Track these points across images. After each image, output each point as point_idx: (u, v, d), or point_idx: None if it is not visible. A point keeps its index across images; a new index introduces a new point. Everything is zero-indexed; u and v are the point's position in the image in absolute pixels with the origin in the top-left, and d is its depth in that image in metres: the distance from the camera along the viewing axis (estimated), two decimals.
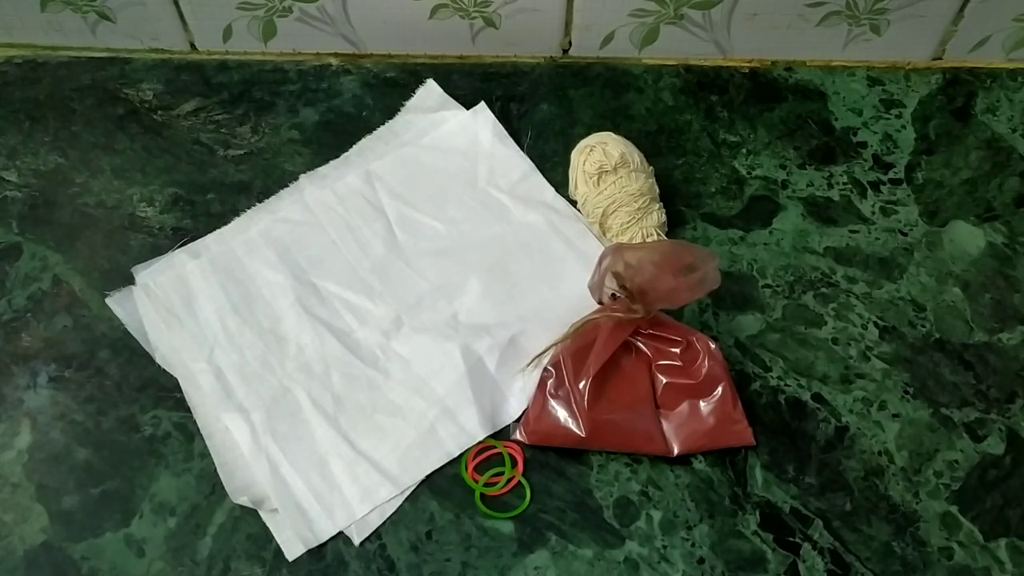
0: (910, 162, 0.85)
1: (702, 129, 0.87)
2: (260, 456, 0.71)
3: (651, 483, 0.70)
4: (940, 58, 0.91)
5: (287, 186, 0.83)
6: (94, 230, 0.81)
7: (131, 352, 0.76)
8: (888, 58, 0.90)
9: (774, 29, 0.88)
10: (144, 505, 0.70)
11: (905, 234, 0.81)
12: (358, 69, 0.90)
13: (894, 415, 0.73)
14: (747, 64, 0.91)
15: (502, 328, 0.76)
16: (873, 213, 0.82)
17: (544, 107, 0.88)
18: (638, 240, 0.77)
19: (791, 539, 0.68)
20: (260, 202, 0.83)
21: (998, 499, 0.70)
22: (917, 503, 0.70)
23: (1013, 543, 0.68)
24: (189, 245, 0.80)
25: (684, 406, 0.71)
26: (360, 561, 0.68)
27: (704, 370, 0.71)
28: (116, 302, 0.77)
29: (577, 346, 0.72)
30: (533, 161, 0.84)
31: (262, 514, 0.69)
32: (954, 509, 0.69)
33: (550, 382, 0.72)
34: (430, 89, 0.88)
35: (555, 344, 0.73)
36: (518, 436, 0.72)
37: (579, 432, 0.70)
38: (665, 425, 0.71)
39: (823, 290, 0.78)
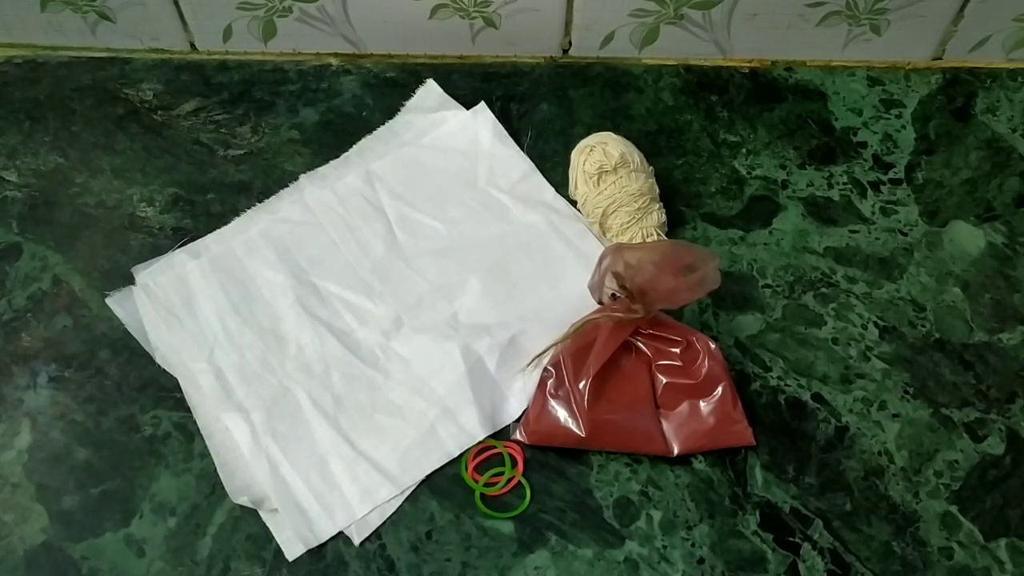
0: (910, 162, 0.85)
1: (702, 129, 0.87)
2: (260, 456, 0.71)
3: (651, 483, 0.70)
4: (940, 58, 0.91)
5: (287, 186, 0.83)
6: (94, 230, 0.81)
7: (131, 352, 0.76)
8: (888, 58, 0.90)
9: (774, 29, 0.88)
10: (144, 505, 0.70)
11: (905, 234, 0.81)
12: (358, 69, 0.90)
13: (894, 415, 0.73)
14: (747, 64, 0.91)
15: (502, 328, 0.76)
16: (873, 213, 0.82)
17: (544, 107, 0.88)
18: (638, 240, 0.77)
19: (791, 539, 0.68)
20: (260, 202, 0.83)
21: (998, 499, 0.70)
22: (917, 503, 0.70)
23: (1013, 543, 0.68)
24: (189, 245, 0.80)
25: (684, 406, 0.71)
26: (360, 561, 0.68)
27: (704, 370, 0.71)
28: (116, 302, 0.77)
29: (577, 346, 0.72)
30: (533, 161, 0.84)
31: (262, 514, 0.69)
32: (954, 509, 0.69)
33: (550, 382, 0.72)
34: (430, 89, 0.88)
35: (555, 344, 0.73)
36: (518, 436, 0.72)
37: (579, 432, 0.70)
38: (665, 425, 0.71)
39: (823, 290, 0.78)
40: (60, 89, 0.89)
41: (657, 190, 0.80)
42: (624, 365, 0.72)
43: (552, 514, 0.69)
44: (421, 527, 0.69)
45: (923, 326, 0.77)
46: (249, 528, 0.69)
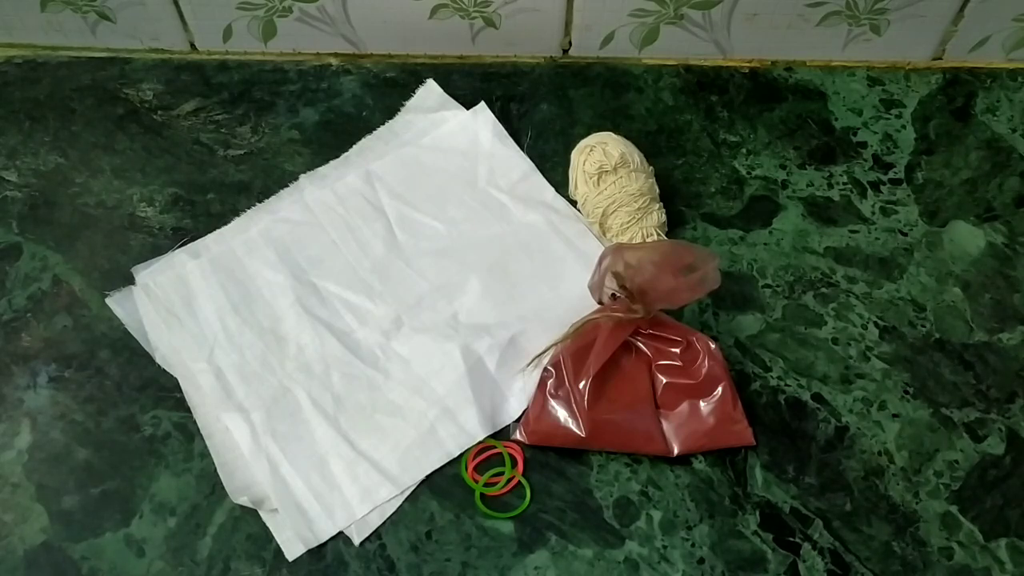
0: (910, 162, 0.85)
1: (702, 129, 0.87)
2: (260, 456, 0.71)
3: (651, 483, 0.70)
4: (940, 58, 0.91)
5: (287, 186, 0.83)
6: (94, 230, 0.81)
7: (131, 352, 0.76)
8: (888, 58, 0.90)
9: (774, 29, 0.88)
10: (144, 505, 0.70)
11: (905, 234, 0.81)
12: (358, 69, 0.90)
13: (894, 415, 0.73)
14: (747, 64, 0.91)
15: (502, 328, 0.76)
16: (873, 213, 0.82)
17: (544, 107, 0.88)
18: (638, 240, 0.77)
19: (791, 539, 0.68)
20: (260, 202, 0.83)
21: (998, 499, 0.70)
22: (917, 503, 0.70)
23: (1013, 543, 0.68)
24: (189, 245, 0.80)
25: (684, 406, 0.71)
26: (360, 561, 0.68)
27: (704, 370, 0.71)
28: (116, 302, 0.77)
29: (577, 346, 0.72)
30: (533, 161, 0.84)
31: (262, 514, 0.69)
32: (954, 509, 0.69)
33: (550, 382, 0.72)
34: (430, 89, 0.88)
35: (555, 344, 0.73)
36: (518, 436, 0.72)
37: (579, 432, 0.70)
38: (665, 425, 0.71)
39: (823, 290, 0.78)
40: (60, 89, 0.89)
41: (657, 190, 0.80)
42: (624, 365, 0.72)
43: (552, 514, 0.69)
44: (421, 527, 0.69)
45: (923, 326, 0.77)
46: (249, 528, 0.69)
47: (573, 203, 0.82)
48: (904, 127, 0.87)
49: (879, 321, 0.77)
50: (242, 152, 0.86)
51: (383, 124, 0.87)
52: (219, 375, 0.74)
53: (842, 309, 0.78)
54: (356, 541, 0.68)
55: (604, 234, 0.79)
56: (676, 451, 0.71)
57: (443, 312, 0.77)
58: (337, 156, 0.85)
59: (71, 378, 0.75)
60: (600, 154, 0.78)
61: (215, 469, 0.70)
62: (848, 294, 0.78)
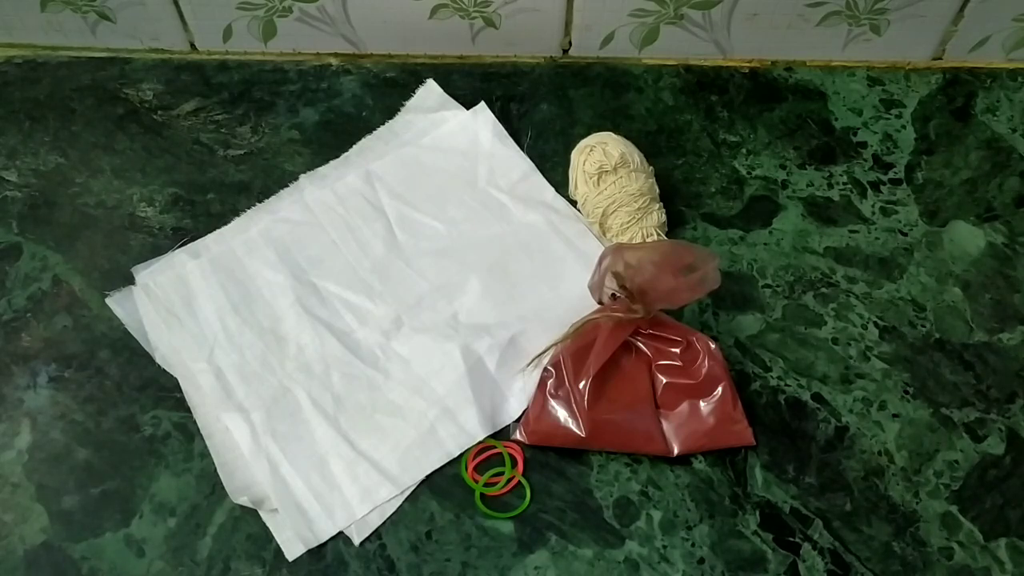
0: (910, 162, 0.85)
1: (702, 129, 0.87)
2: (260, 456, 0.71)
3: (651, 483, 0.70)
4: (940, 58, 0.91)
5: (287, 186, 0.83)
6: (94, 230, 0.81)
7: (131, 352, 0.76)
8: (888, 58, 0.90)
9: (774, 29, 0.88)
10: (144, 505, 0.70)
11: (905, 234, 0.81)
12: (358, 69, 0.90)
13: (894, 415, 0.73)
14: (747, 64, 0.91)
15: (502, 328, 0.76)
16: (873, 213, 0.82)
17: (544, 107, 0.88)
18: (638, 240, 0.77)
19: (791, 539, 0.68)
20: (260, 202, 0.83)
21: (998, 499, 0.70)
22: (917, 503, 0.70)
23: (1013, 543, 0.68)
24: (189, 245, 0.80)
25: (684, 406, 0.71)
26: (360, 561, 0.68)
27: (704, 370, 0.71)
28: (116, 302, 0.77)
29: (577, 346, 0.72)
30: (533, 161, 0.84)
31: (262, 514, 0.69)
32: (954, 509, 0.69)
33: (550, 382, 0.72)
34: (430, 89, 0.88)
35: (555, 344, 0.73)
36: (518, 436, 0.72)
37: (579, 432, 0.70)
38: (665, 425, 0.71)
39: (823, 290, 0.78)
40: (60, 89, 0.89)
41: (657, 190, 0.80)
42: (624, 365, 0.72)
43: (552, 514, 0.69)
44: (421, 527, 0.69)
45: (923, 326, 0.77)
46: (249, 528, 0.69)
47: (573, 203, 0.82)
48: (904, 127, 0.87)
49: (879, 321, 0.77)
50: (242, 152, 0.86)
51: (383, 124, 0.87)
52: (219, 375, 0.74)
53: (842, 309, 0.78)
54: (356, 541, 0.68)
55: (604, 234, 0.79)
56: (676, 451, 0.71)
57: (443, 312, 0.77)
58: (337, 156, 0.85)
59: (71, 378, 0.75)
60: (600, 154, 0.78)
61: (215, 469, 0.70)
62: (848, 294, 0.78)
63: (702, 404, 0.71)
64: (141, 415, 0.73)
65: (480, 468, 0.71)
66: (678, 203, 0.83)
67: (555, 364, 0.72)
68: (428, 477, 0.71)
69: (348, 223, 0.81)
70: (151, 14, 0.88)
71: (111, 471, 0.71)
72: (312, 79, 0.90)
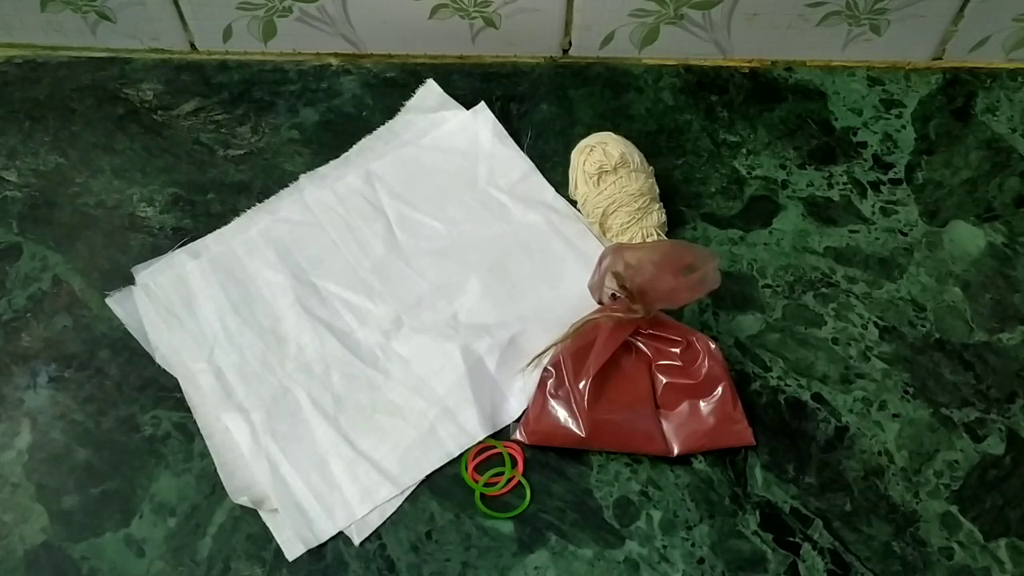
0: (910, 162, 0.85)
1: (702, 129, 0.87)
2: (260, 456, 0.71)
3: (651, 483, 0.70)
4: (940, 58, 0.91)
5: (287, 186, 0.83)
6: (94, 230, 0.81)
7: (131, 352, 0.76)
8: (888, 58, 0.90)
9: (774, 29, 0.88)
10: (144, 505, 0.70)
11: (905, 234, 0.81)
12: (358, 69, 0.90)
13: (894, 415, 0.73)
14: (747, 64, 0.91)
15: (502, 328, 0.76)
16: (873, 213, 0.82)
17: (544, 107, 0.88)
18: (638, 240, 0.77)
19: (791, 539, 0.68)
20: (260, 202, 0.83)
21: (998, 499, 0.70)
22: (917, 503, 0.70)
23: (1013, 543, 0.68)
24: (189, 245, 0.80)
25: (684, 406, 0.71)
26: (360, 561, 0.68)
27: (704, 370, 0.71)
28: (116, 302, 0.77)
29: (577, 346, 0.72)
30: (533, 161, 0.84)
31: (262, 514, 0.69)
32: (954, 509, 0.69)
33: (550, 382, 0.72)
34: (430, 89, 0.88)
35: (555, 344, 0.73)
36: (518, 436, 0.72)
37: (579, 432, 0.70)
38: (665, 425, 0.71)
39: (823, 290, 0.78)
40: (60, 89, 0.89)
41: (657, 190, 0.80)
42: (624, 365, 0.72)
43: (552, 514, 0.69)
44: (421, 527, 0.69)
45: (923, 326, 0.77)
46: (249, 528, 0.69)
47: (573, 203, 0.82)
48: (904, 127, 0.87)
49: (879, 321, 0.77)
50: (242, 152, 0.86)
51: (383, 124, 0.87)
52: (219, 375, 0.74)
53: (842, 309, 0.78)
54: (356, 541, 0.68)
55: (604, 234, 0.79)
56: (676, 451, 0.71)
57: (443, 312, 0.77)
58: (337, 156, 0.85)
59: (71, 378, 0.75)
60: (600, 154, 0.78)
61: (215, 469, 0.70)
62: (848, 294, 0.78)
63: (702, 404, 0.71)
64: (141, 415, 0.73)
65: (480, 468, 0.71)
66: (678, 203, 0.83)
67: (555, 364, 0.72)
68: (428, 477, 0.71)
69: (348, 223, 0.81)
70: (151, 14, 0.88)
71: (111, 471, 0.71)
72: (312, 79, 0.90)
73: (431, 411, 0.73)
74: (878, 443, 0.72)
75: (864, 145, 0.86)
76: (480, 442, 0.72)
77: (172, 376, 0.74)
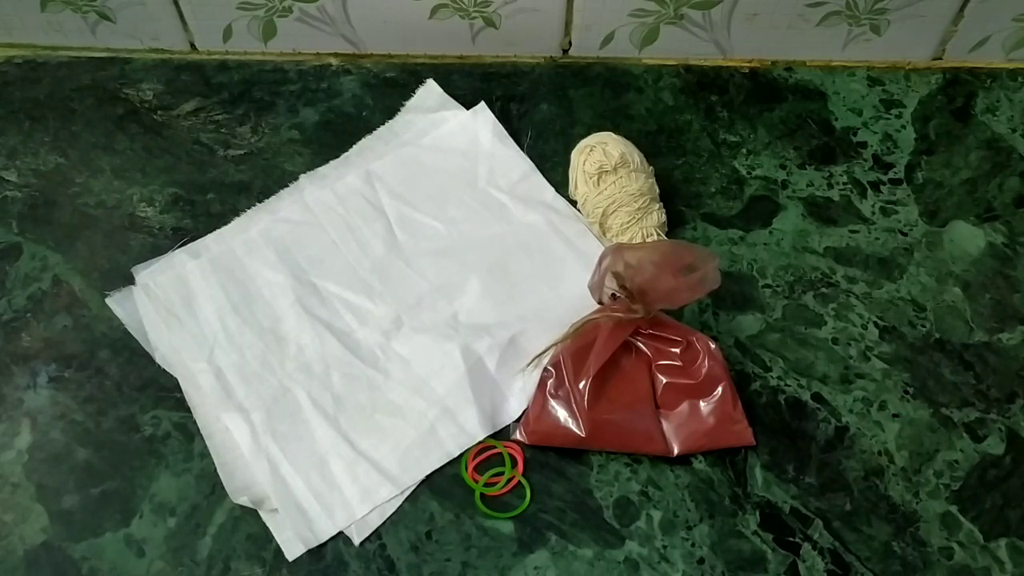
0: (910, 162, 0.85)
1: (702, 129, 0.87)
2: (260, 456, 0.71)
3: (651, 483, 0.70)
4: (940, 58, 0.91)
5: (287, 186, 0.83)
6: (94, 230, 0.81)
7: (131, 352, 0.76)
8: (888, 58, 0.90)
9: (774, 29, 0.88)
10: (144, 505, 0.70)
11: (905, 234, 0.81)
12: (358, 69, 0.90)
13: (894, 415, 0.73)
14: (747, 64, 0.91)
15: (502, 328, 0.76)
16: (873, 213, 0.82)
17: (544, 107, 0.88)
18: (638, 240, 0.77)
19: (791, 539, 0.68)
20: (260, 202, 0.83)
21: (998, 499, 0.70)
22: (917, 503, 0.70)
23: (1013, 543, 0.68)
24: (189, 245, 0.80)
25: (684, 406, 0.71)
26: (360, 561, 0.68)
27: (704, 370, 0.71)
28: (116, 302, 0.77)
29: (577, 346, 0.72)
30: (533, 161, 0.84)
31: (262, 514, 0.69)
32: (954, 509, 0.69)
33: (550, 382, 0.72)
34: (430, 89, 0.88)
35: (555, 344, 0.73)
36: (518, 436, 0.72)
37: (579, 432, 0.70)
38: (665, 425, 0.71)
39: (823, 290, 0.78)
40: (60, 89, 0.89)
41: (657, 190, 0.80)
42: (624, 365, 0.72)
43: (552, 514, 0.69)
44: (421, 527, 0.69)
45: (923, 326, 0.77)
46: (249, 528, 0.69)
47: (573, 203, 0.82)
48: (904, 127, 0.87)
49: (879, 321, 0.77)
50: (242, 152, 0.86)
51: (383, 124, 0.87)
52: (219, 375, 0.74)
53: (842, 309, 0.78)
54: (356, 541, 0.68)
55: (604, 234, 0.79)
56: (676, 451, 0.71)
57: (443, 312, 0.77)
58: (337, 156, 0.85)
59: (71, 378, 0.75)
60: (600, 154, 0.78)
61: (215, 469, 0.70)
62: (848, 294, 0.78)
63: (702, 404, 0.71)
64: (141, 415, 0.73)
65: (480, 468, 0.71)
66: (678, 203, 0.83)
67: (555, 364, 0.72)
68: (428, 477, 0.71)
69: (348, 223, 0.81)
70: (151, 14, 0.88)
71: (111, 471, 0.71)
72: (312, 79, 0.90)
73: (431, 411, 0.73)
74: (878, 443, 0.72)
75: (864, 145, 0.86)
76: (480, 442, 0.72)
77: (172, 376, 0.74)
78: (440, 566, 0.67)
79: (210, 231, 0.81)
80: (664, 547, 0.68)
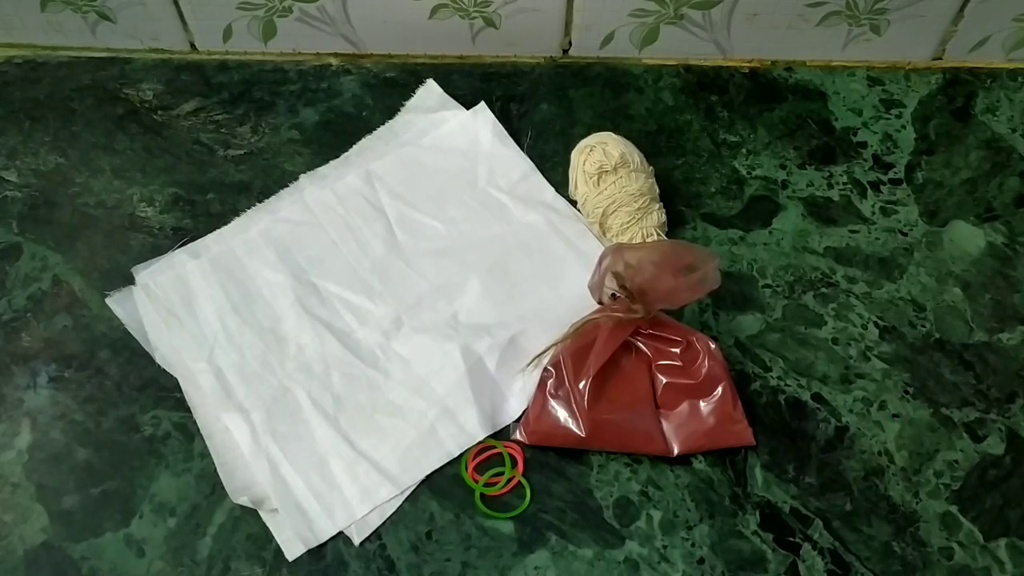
0: (910, 162, 0.85)
1: (702, 129, 0.87)
2: (260, 456, 0.71)
3: (651, 483, 0.70)
4: (940, 58, 0.91)
5: (287, 186, 0.83)
6: (94, 230, 0.81)
7: (131, 352, 0.76)
8: (888, 58, 0.90)
9: (774, 29, 0.88)
10: (144, 505, 0.70)
11: (905, 234, 0.81)
12: (358, 69, 0.90)
13: (894, 415, 0.73)
14: (747, 64, 0.91)
15: (502, 328, 0.76)
16: (873, 213, 0.82)
17: (544, 107, 0.88)
18: (638, 240, 0.77)
19: (791, 539, 0.68)
20: (260, 202, 0.83)
21: (998, 499, 0.70)
22: (917, 503, 0.70)
23: (1013, 543, 0.68)
24: (189, 245, 0.80)
25: (684, 406, 0.71)
26: (360, 561, 0.68)
27: (704, 370, 0.71)
28: (116, 302, 0.77)
29: (577, 346, 0.72)
30: (533, 161, 0.84)
31: (262, 514, 0.69)
32: (954, 509, 0.69)
33: (550, 382, 0.72)
34: (430, 89, 0.88)
35: (555, 344, 0.73)
36: (518, 436, 0.72)
37: (579, 432, 0.70)
38: (665, 425, 0.71)
39: (823, 290, 0.78)
40: (60, 89, 0.89)
41: (657, 190, 0.80)
42: (624, 365, 0.72)
43: (552, 514, 0.69)
44: (421, 527, 0.69)
45: (923, 326, 0.77)
46: (249, 528, 0.69)
47: (573, 203, 0.82)
48: (904, 127, 0.87)
49: (879, 321, 0.77)
50: (242, 152, 0.86)
51: (383, 124, 0.87)
52: (219, 375, 0.74)
53: (842, 309, 0.78)
54: (356, 541, 0.68)
55: (604, 234, 0.79)
56: (676, 451, 0.71)
57: (443, 312, 0.77)
58: (337, 156, 0.85)
59: (71, 378, 0.75)
60: (600, 154, 0.78)
61: (215, 469, 0.70)
62: (848, 294, 0.78)
63: (702, 404, 0.71)
64: (141, 415, 0.73)
65: (480, 468, 0.71)
66: (678, 203, 0.83)
67: (555, 364, 0.72)
68: (428, 477, 0.71)
69: (348, 223, 0.81)
70: (151, 14, 0.88)
71: (111, 471, 0.71)
72: (312, 79, 0.90)
73: (431, 411, 0.73)
74: (878, 443, 0.72)
75: (864, 145, 0.86)
76: (480, 442, 0.72)
77: (172, 376, 0.74)
78: (440, 566, 0.67)
79: (210, 231, 0.81)
80: (664, 547, 0.68)
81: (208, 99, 0.88)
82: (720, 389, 0.71)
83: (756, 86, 0.89)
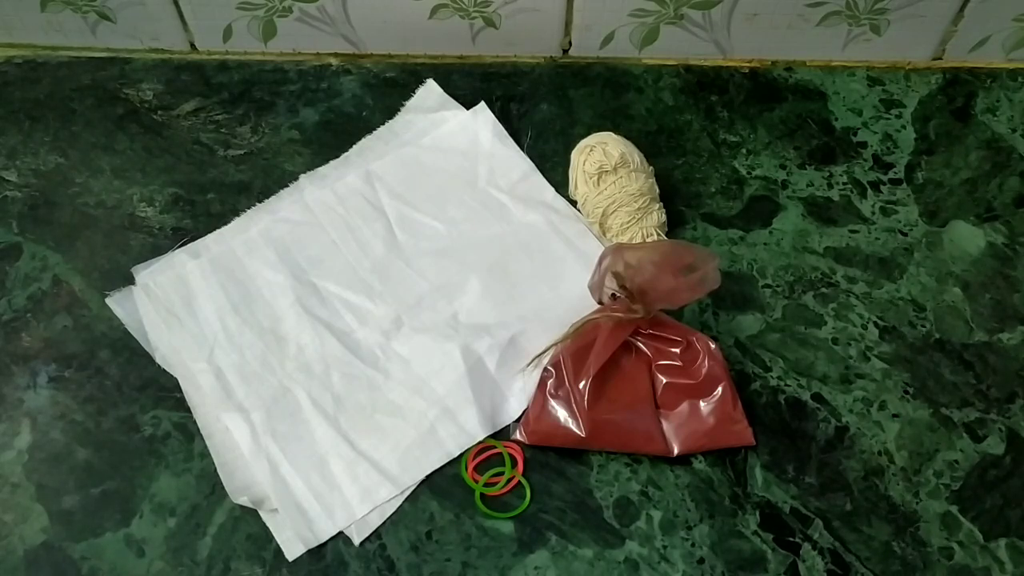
0: (910, 162, 0.85)
1: (702, 129, 0.87)
2: (260, 456, 0.71)
3: (651, 483, 0.70)
4: (940, 58, 0.91)
5: (287, 186, 0.83)
6: (94, 230, 0.81)
7: (131, 352, 0.76)
8: (888, 58, 0.90)
9: (774, 29, 0.88)
10: (144, 505, 0.70)
11: (905, 234, 0.81)
12: (358, 69, 0.90)
13: (894, 415, 0.73)
14: (747, 64, 0.91)
15: (502, 328, 0.76)
16: (873, 213, 0.82)
17: (544, 107, 0.88)
18: (638, 240, 0.77)
19: (791, 539, 0.68)
20: (260, 202, 0.83)
21: (998, 499, 0.70)
22: (917, 503, 0.70)
23: (1013, 543, 0.68)
24: (189, 245, 0.80)
25: (684, 406, 0.71)
26: (360, 561, 0.68)
27: (704, 370, 0.71)
28: (116, 302, 0.77)
29: (577, 346, 0.72)
30: (533, 161, 0.84)
31: (262, 514, 0.69)
32: (954, 509, 0.69)
33: (550, 382, 0.72)
34: (430, 89, 0.88)
35: (555, 344, 0.73)
36: (518, 436, 0.72)
37: (579, 432, 0.70)
38: (665, 425, 0.71)
39: (823, 290, 0.78)
40: (60, 89, 0.89)
41: (657, 190, 0.80)
42: (624, 365, 0.72)
43: (552, 514, 0.69)
44: (421, 527, 0.69)
45: (923, 326, 0.77)
46: (249, 528, 0.69)
47: (573, 203, 0.82)
48: (904, 127, 0.87)
49: (879, 321, 0.77)
50: (242, 152, 0.86)
51: (383, 124, 0.87)
52: (219, 375, 0.74)
53: (842, 309, 0.78)
54: (356, 541, 0.68)
55: (604, 234, 0.80)
56: (676, 451, 0.71)
57: (443, 312, 0.77)
58: (337, 156, 0.85)
59: (71, 378, 0.75)
60: (600, 154, 0.78)
61: (215, 469, 0.70)
62: (848, 294, 0.78)
63: (702, 404, 0.71)
64: (141, 415, 0.73)
65: (480, 468, 0.71)
66: (678, 203, 0.83)
67: (555, 364, 0.72)
68: (428, 477, 0.71)
69: (348, 223, 0.81)
70: (151, 14, 0.88)
71: (111, 471, 0.71)
72: (312, 79, 0.90)
73: (431, 411, 0.73)
74: (878, 443, 0.72)
75: (864, 145, 0.86)
76: (480, 442, 0.72)
77: (172, 376, 0.74)
78: (440, 566, 0.67)
79: (210, 231, 0.81)
80: (664, 547, 0.68)
81: (208, 99, 0.88)
82: (720, 389, 0.71)
83: (756, 86, 0.89)
